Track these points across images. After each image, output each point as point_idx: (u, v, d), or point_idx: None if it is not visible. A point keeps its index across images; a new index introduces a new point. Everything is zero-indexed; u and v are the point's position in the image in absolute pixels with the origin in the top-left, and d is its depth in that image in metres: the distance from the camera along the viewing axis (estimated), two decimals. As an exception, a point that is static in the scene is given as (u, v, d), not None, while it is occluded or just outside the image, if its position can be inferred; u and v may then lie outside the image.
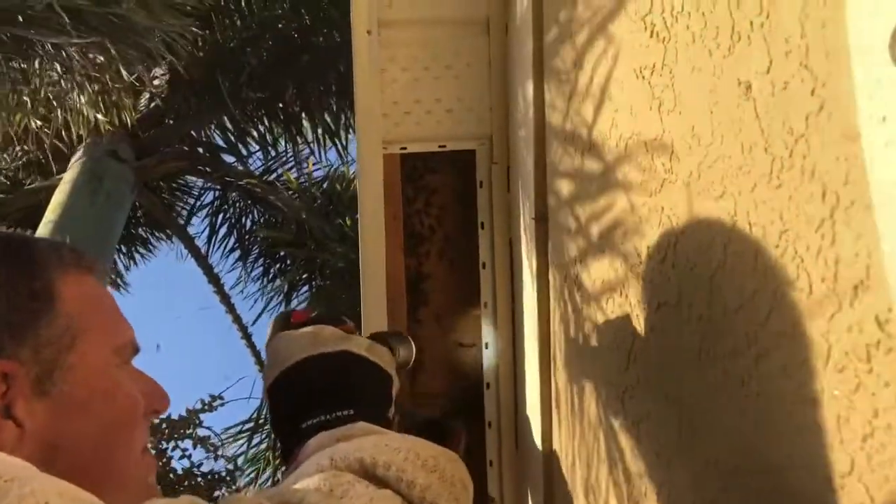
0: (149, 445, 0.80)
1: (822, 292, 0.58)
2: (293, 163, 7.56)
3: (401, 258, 1.56)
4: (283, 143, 7.38)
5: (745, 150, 0.68)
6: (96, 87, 5.16)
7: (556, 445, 1.36)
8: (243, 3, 6.45)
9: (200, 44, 6.46)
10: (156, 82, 6.43)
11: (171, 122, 6.38)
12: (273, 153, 7.48)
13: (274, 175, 7.61)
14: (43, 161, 6.16)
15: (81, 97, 5.17)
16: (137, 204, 7.01)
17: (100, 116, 5.27)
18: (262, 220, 7.82)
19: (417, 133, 1.49)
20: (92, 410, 0.71)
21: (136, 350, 0.81)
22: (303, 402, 0.83)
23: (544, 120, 1.30)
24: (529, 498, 1.52)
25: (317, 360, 0.88)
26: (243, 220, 7.74)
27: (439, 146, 1.50)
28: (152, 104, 6.39)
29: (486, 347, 1.59)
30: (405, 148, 1.50)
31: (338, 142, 7.20)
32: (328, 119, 7.02)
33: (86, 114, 5.24)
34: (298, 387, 0.87)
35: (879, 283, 0.52)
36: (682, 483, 0.85)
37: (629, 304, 0.97)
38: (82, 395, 0.71)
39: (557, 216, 1.27)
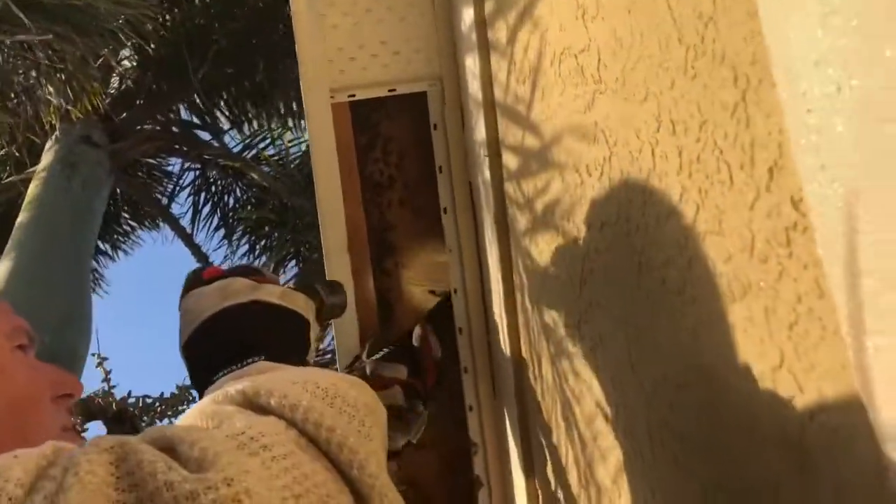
0: (77, 426, 0.80)
1: (742, 180, 0.56)
2: (269, 139, 7.48)
3: (360, 210, 1.53)
4: (256, 121, 7.29)
5: (662, 45, 0.65)
6: (63, 77, 5.07)
7: (527, 385, 1.35)
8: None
9: (168, 23, 6.36)
10: (125, 63, 6.33)
11: (143, 103, 6.28)
12: (248, 130, 7.40)
13: (253, 152, 7.55)
14: (17, 155, 6.07)
15: (49, 87, 5.09)
16: (118, 192, 6.95)
17: (69, 107, 5.18)
18: (244, 198, 7.77)
19: (365, 79, 1.45)
20: None
21: (30, 338, 0.80)
22: (216, 357, 0.80)
23: (489, 52, 1.26)
24: (510, 441, 1.51)
25: (226, 312, 0.85)
26: (226, 198, 7.69)
27: (389, 90, 1.46)
28: (123, 86, 6.29)
29: (455, 293, 1.56)
30: (353, 95, 1.46)
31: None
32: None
33: (55, 103, 5.16)
34: (210, 343, 0.84)
35: (791, 161, 0.49)
36: (636, 404, 0.83)
37: (577, 230, 0.95)
38: None
39: (509, 152, 1.24)
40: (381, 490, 0.58)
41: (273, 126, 7.36)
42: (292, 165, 7.39)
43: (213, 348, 0.82)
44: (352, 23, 1.42)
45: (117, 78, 6.29)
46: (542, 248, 1.12)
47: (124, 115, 6.09)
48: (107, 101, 5.70)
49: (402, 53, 1.45)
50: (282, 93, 6.85)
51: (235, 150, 7.38)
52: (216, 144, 7.01)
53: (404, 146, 1.58)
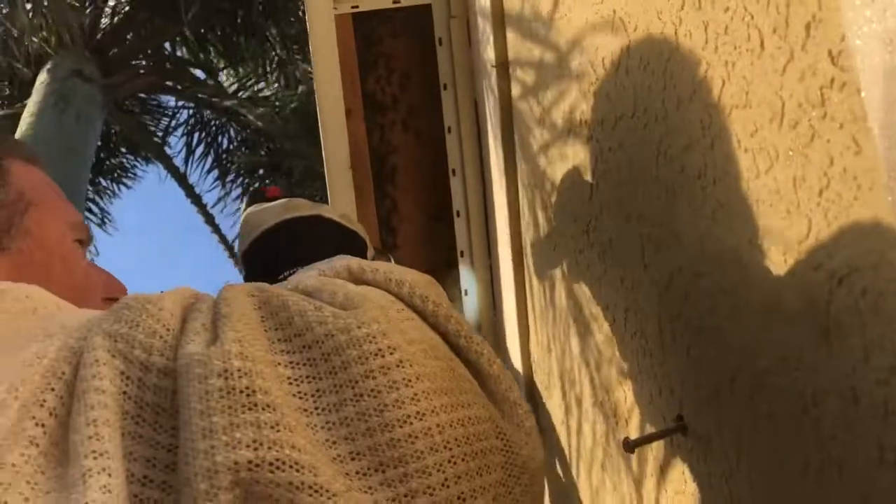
0: None
1: (774, 45, 0.54)
2: (264, 80, 7.37)
3: (363, 128, 1.51)
4: (251, 61, 7.16)
5: (691, -87, 0.62)
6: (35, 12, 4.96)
7: (529, 304, 1.34)
8: None
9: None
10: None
11: (135, 38, 6.15)
12: (242, 70, 7.28)
13: (248, 92, 7.43)
14: (6, 89, 5.98)
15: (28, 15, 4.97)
16: (112, 129, 6.87)
17: (44, 44, 5.08)
18: (238, 139, 7.68)
19: (369, -10, 1.41)
20: (52, 273, 0.72)
21: (89, 236, 0.82)
22: (278, 263, 0.82)
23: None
24: (514, 365, 1.51)
25: (290, 223, 0.88)
26: (219, 139, 7.61)
27: (393, 2, 1.42)
28: (115, 20, 6.16)
29: (458, 216, 1.55)
30: (357, 6, 1.42)
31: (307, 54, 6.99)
32: (296, 30, 6.79)
33: (29, 41, 5.06)
34: (272, 250, 0.87)
35: (834, 9, 0.47)
36: (648, 301, 0.82)
37: (589, 132, 0.93)
38: (41, 257, 0.72)
39: (519, 62, 1.21)
40: (490, 357, 0.60)
41: (267, 67, 7.24)
42: (288, 109, 7.30)
43: (276, 253, 0.86)
44: (356, -70, 1.38)
45: (109, 11, 6.16)
46: (552, 160, 1.10)
47: (116, 50, 5.98)
48: (98, 35, 5.59)
49: (408, -36, 1.41)
50: (278, 33, 6.73)
51: (230, 89, 7.28)
52: (210, 83, 6.90)
53: (407, 65, 1.55)
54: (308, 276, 0.63)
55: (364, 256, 0.90)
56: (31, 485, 0.43)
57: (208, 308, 0.55)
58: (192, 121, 7.45)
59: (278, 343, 0.52)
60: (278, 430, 0.45)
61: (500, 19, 1.26)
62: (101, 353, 0.48)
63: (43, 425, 0.45)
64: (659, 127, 0.73)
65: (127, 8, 6.00)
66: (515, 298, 1.38)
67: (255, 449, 0.44)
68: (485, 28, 1.31)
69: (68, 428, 0.45)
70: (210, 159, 7.59)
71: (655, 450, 0.83)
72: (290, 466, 0.44)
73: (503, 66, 1.26)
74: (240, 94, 7.38)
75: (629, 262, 0.86)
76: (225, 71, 7.43)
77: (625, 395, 0.93)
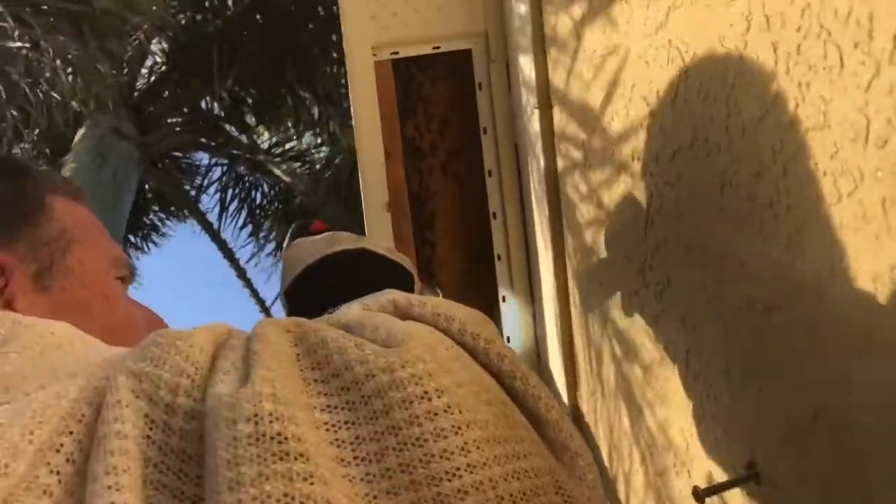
0: None
1: (856, 60, 0.51)
2: (296, 137, 7.47)
3: (402, 172, 1.49)
4: (285, 120, 7.28)
5: (756, -68, 0.60)
6: (71, 73, 5.10)
7: (575, 350, 1.30)
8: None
9: (199, 17, 6.37)
10: (153, 59, 6.36)
11: (172, 96, 6.29)
12: (278, 128, 7.40)
13: (281, 148, 7.54)
14: (45, 148, 6.12)
15: (65, 80, 5.11)
16: (146, 186, 6.98)
17: (78, 104, 5.21)
18: (272, 194, 7.76)
19: (408, 35, 1.41)
20: (93, 313, 0.71)
21: (132, 273, 0.80)
22: (322, 298, 0.79)
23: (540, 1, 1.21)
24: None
25: (334, 257, 0.85)
26: (253, 193, 7.70)
27: (433, 48, 1.42)
28: (151, 79, 6.31)
29: (499, 259, 1.52)
30: (396, 52, 1.42)
31: (345, 107, 7.08)
32: (333, 85, 6.90)
33: (69, 99, 5.19)
34: (317, 284, 0.85)
35: (925, 18, 0.44)
36: (713, 340, 0.78)
37: (643, 167, 0.90)
38: (83, 297, 0.71)
39: (561, 101, 1.19)
40: (548, 401, 0.55)
41: (301, 125, 7.35)
42: (318, 166, 7.38)
43: (320, 289, 0.83)
44: (395, -23, 1.39)
45: (146, 71, 6.32)
46: (600, 200, 1.07)
47: (152, 108, 6.11)
48: (135, 94, 5.72)
49: (446, 9, 1.41)
50: (310, 91, 6.84)
51: (263, 146, 7.39)
52: (244, 140, 7.01)
53: (447, 110, 1.54)
54: (351, 310, 0.59)
55: (410, 290, 0.87)
56: None
57: (241, 345, 0.51)
58: (225, 177, 7.55)
59: (315, 384, 0.48)
60: (312, 483, 0.41)
61: (541, 55, 1.25)
62: (124, 394, 0.45)
63: (58, 472, 0.42)
64: (723, 156, 0.70)
65: (163, 68, 6.15)
66: (560, 344, 1.34)
67: None
68: (526, 64, 1.30)
69: (86, 476, 0.42)
70: (243, 214, 7.67)
71: (726, 500, 0.78)
72: None
73: (546, 107, 1.24)
74: (273, 150, 7.49)
75: (690, 299, 0.82)
76: (259, 127, 7.55)
77: (686, 442, 0.88)
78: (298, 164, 7.22)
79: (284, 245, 0.97)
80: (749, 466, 0.74)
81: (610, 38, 0.94)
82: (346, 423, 0.46)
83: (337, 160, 7.11)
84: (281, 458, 0.41)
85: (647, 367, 0.97)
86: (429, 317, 0.56)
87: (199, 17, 6.35)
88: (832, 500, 0.60)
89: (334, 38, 6.12)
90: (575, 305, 1.28)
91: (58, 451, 0.42)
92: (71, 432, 0.43)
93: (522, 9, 1.26)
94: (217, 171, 7.48)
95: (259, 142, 7.57)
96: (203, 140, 6.79)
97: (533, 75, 1.25)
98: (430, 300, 0.58)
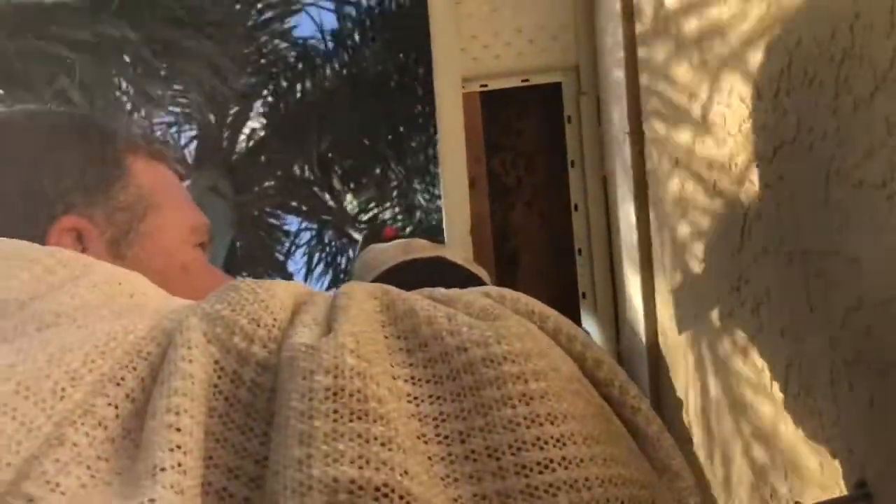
0: None
1: None
2: (384, 205, 7.62)
3: (486, 204, 1.48)
4: (375, 188, 7.45)
5: None
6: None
7: (661, 381, 1.24)
8: (343, 49, 6.61)
9: (299, 87, 6.65)
10: (253, 124, 6.64)
11: (268, 160, 6.54)
12: (367, 194, 7.57)
13: (369, 215, 7.70)
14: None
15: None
16: (237, 244, 7.19)
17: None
18: (357, 260, 7.88)
19: (498, 68, 1.41)
20: (171, 282, 0.67)
21: (211, 238, 0.78)
22: None
23: (633, 24, 1.20)
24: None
25: (410, 264, 0.82)
26: (338, 258, 7.83)
27: (522, 80, 1.42)
28: (250, 142, 6.59)
29: (584, 297, 1.48)
30: (486, 85, 1.42)
31: (428, 179, 7.22)
32: (419, 158, 7.04)
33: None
34: None
35: None
36: (816, 350, 0.72)
37: (739, 174, 0.86)
38: (160, 265, 0.69)
39: (654, 125, 1.17)
40: (648, 414, 0.49)
41: (389, 194, 7.50)
42: (404, 234, 7.48)
43: None
44: (487, 10, 1.40)
45: (245, 136, 6.60)
46: (695, 221, 1.03)
47: (249, 169, 6.35)
48: (234, 156, 5.97)
49: (538, 42, 1.41)
50: (400, 162, 7.00)
51: (352, 213, 7.56)
52: (333, 206, 7.19)
53: (534, 144, 1.53)
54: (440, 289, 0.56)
55: None
56: (92, 471, 0.36)
57: (324, 303, 0.48)
58: (313, 241, 7.73)
59: (399, 354, 0.44)
60: (390, 449, 0.37)
61: (634, 88, 1.23)
62: (195, 335, 0.42)
63: (116, 407, 0.39)
64: (828, 143, 0.66)
65: (262, 133, 6.42)
66: (650, 388, 1.28)
67: (361, 468, 0.36)
68: (618, 98, 1.28)
69: (145, 417, 0.39)
70: (328, 278, 7.80)
71: (832, 523, 0.71)
72: (401, 497, 0.36)
73: (636, 133, 1.22)
74: (360, 216, 7.64)
75: (791, 309, 0.76)
76: (348, 195, 7.74)
77: (785, 470, 0.81)
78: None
79: (356, 252, 0.94)
80: (860, 485, 0.66)
81: (707, 42, 0.91)
82: (430, 397, 0.42)
83: (416, 229, 7.20)
84: (359, 418, 0.38)
85: (744, 393, 0.91)
86: (523, 311, 0.51)
87: (298, 87, 6.62)
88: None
89: (426, 111, 6.27)
90: (665, 345, 1.23)
91: (118, 384, 0.40)
92: (135, 368, 0.41)
93: (616, 38, 1.25)
94: (306, 236, 7.67)
95: (348, 209, 7.74)
96: (294, 204, 6.99)
97: (625, 104, 1.22)
98: (525, 297, 0.55)
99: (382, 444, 0.37)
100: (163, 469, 0.35)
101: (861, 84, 0.60)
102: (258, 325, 0.43)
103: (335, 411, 0.38)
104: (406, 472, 0.36)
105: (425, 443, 0.40)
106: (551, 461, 0.39)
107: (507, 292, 0.54)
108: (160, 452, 0.36)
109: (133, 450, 0.38)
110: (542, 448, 0.40)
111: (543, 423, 0.41)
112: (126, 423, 0.39)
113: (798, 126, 0.71)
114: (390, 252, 0.86)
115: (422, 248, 0.86)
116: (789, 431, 0.79)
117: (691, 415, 1.08)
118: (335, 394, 0.38)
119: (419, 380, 0.43)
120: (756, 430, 0.87)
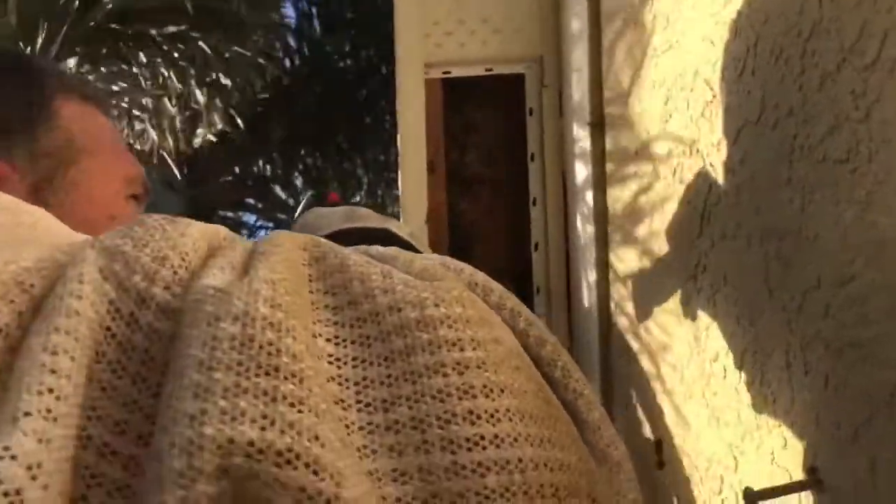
0: None
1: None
2: (350, 200, 7.56)
3: (444, 194, 1.46)
4: (335, 183, 7.37)
5: None
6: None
7: (615, 375, 1.23)
8: (303, 42, 6.54)
9: (259, 83, 6.56)
10: (211, 118, 6.52)
11: (226, 155, 6.43)
12: (325, 189, 7.49)
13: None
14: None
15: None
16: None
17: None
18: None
19: (461, 55, 1.39)
20: (97, 232, 0.62)
21: (147, 190, 0.72)
22: None
23: (598, 16, 1.19)
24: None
25: (354, 232, 0.77)
26: (294, 259, 7.73)
27: (486, 70, 1.40)
28: (207, 136, 6.47)
29: (538, 292, 1.46)
30: (448, 72, 1.40)
31: (389, 175, 7.17)
32: (380, 155, 7.00)
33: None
34: None
35: None
36: (773, 334, 0.71)
37: (700, 158, 0.85)
38: (86, 214, 0.63)
39: (615, 114, 1.16)
40: (591, 400, 0.45)
41: (349, 192, 7.44)
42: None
43: None
44: (453, -4, 1.38)
45: (202, 128, 6.47)
46: (654, 214, 1.02)
47: (205, 164, 6.24)
48: (190, 150, 5.85)
49: (502, 32, 1.39)
50: (361, 158, 6.94)
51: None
52: (291, 203, 7.09)
53: (494, 135, 1.51)
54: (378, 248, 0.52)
55: None
56: None
57: (244, 249, 0.43)
58: (268, 240, 7.62)
59: (324, 311, 0.40)
60: (300, 411, 0.33)
61: (597, 80, 1.22)
62: (89, 270, 0.37)
63: None
64: (793, 119, 0.65)
65: (220, 126, 6.30)
66: (601, 378, 1.26)
67: (263, 428, 0.31)
68: (580, 90, 1.27)
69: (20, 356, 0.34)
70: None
71: (782, 509, 0.69)
72: (307, 465, 0.31)
73: (598, 125, 1.20)
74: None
75: (749, 293, 0.75)
76: (308, 192, 7.65)
77: (737, 457, 0.80)
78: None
79: (297, 213, 0.89)
80: (811, 471, 0.65)
81: (672, 32, 0.90)
82: (354, 359, 0.38)
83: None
84: (267, 373, 0.33)
85: (695, 386, 0.89)
86: (466, 280, 0.46)
87: (258, 83, 6.53)
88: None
89: (386, 108, 6.23)
90: (619, 339, 1.21)
91: None
92: (12, 301, 0.36)
93: (578, 26, 1.24)
94: (261, 234, 7.56)
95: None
96: (250, 201, 6.89)
97: (587, 94, 1.21)
98: (469, 267, 0.51)
99: (291, 405, 0.33)
100: (27, 413, 0.31)
101: (828, 57, 0.59)
102: (162, 265, 0.38)
103: (240, 363, 0.33)
104: (316, 438, 0.32)
105: (344, 409, 0.36)
106: (482, 437, 0.36)
107: (451, 260, 0.50)
108: (27, 395, 0.31)
109: (3, 394, 0.33)
110: (473, 423, 0.36)
111: (477, 396, 0.37)
112: None
113: (763, 104, 0.70)
114: (334, 217, 0.81)
115: (367, 217, 0.82)
116: (744, 419, 0.77)
117: (646, 406, 1.06)
118: (242, 344, 0.34)
119: (344, 340, 0.39)
120: (711, 418, 0.86)
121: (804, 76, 0.63)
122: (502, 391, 0.38)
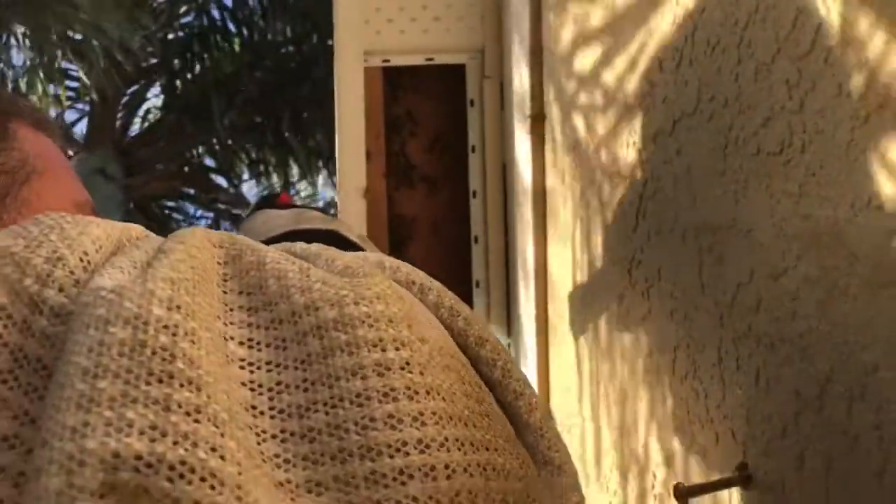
0: None
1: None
2: (291, 190, 7.45)
3: (382, 183, 1.43)
4: (276, 173, 7.26)
5: None
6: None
7: (552, 380, 1.22)
8: (244, 28, 6.41)
9: (198, 67, 6.42)
10: (149, 104, 6.37)
11: (164, 143, 6.27)
12: (266, 181, 7.38)
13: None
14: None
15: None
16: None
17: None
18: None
19: (402, 44, 1.36)
20: None
21: (96, 216, 0.72)
22: None
23: (539, 7, 1.18)
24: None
25: (301, 234, 0.76)
26: (236, 249, 7.60)
27: (426, 59, 1.38)
28: (145, 124, 6.31)
29: (477, 286, 1.44)
30: (388, 60, 1.37)
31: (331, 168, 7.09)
32: (322, 146, 6.91)
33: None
34: None
35: None
36: (704, 329, 0.70)
37: (636, 151, 0.84)
38: None
39: (556, 107, 1.14)
40: (530, 400, 0.44)
41: (292, 179, 7.33)
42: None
43: None
44: (393, -18, 1.35)
45: (140, 117, 6.32)
46: (591, 210, 1.01)
47: (143, 152, 6.08)
48: (128, 137, 5.71)
49: (443, 20, 1.37)
50: (304, 146, 6.84)
51: (251, 199, 7.36)
52: (231, 192, 6.97)
53: (434, 126, 1.49)
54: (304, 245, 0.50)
55: None
56: None
57: (151, 247, 0.40)
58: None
59: (238, 312, 0.38)
60: (196, 421, 0.30)
61: (538, 72, 1.21)
62: None
63: None
64: (729, 111, 0.64)
65: (160, 113, 6.16)
66: (537, 375, 1.25)
67: (153, 440, 0.29)
68: (520, 81, 1.25)
69: None
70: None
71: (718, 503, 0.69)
72: (203, 479, 0.29)
73: (538, 117, 1.19)
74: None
75: (682, 288, 0.74)
76: (248, 181, 7.52)
77: (668, 453, 0.79)
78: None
79: (244, 214, 0.88)
80: (741, 468, 0.65)
81: (611, 14, 0.89)
82: (268, 363, 0.36)
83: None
84: (160, 381, 0.31)
85: (630, 381, 0.89)
86: (402, 280, 0.46)
87: (198, 67, 6.39)
88: (837, 492, 0.52)
89: (329, 96, 6.15)
90: (555, 334, 1.20)
91: None
92: None
93: (520, 17, 1.22)
94: (201, 224, 7.41)
95: (247, 196, 7.53)
96: (189, 190, 6.74)
97: (527, 86, 1.20)
98: (408, 266, 0.49)
99: (187, 414, 0.30)
100: None
101: (763, 48, 0.59)
102: (55, 266, 0.36)
103: (129, 371, 0.31)
104: (213, 449, 0.30)
105: (255, 416, 0.34)
106: (405, 443, 0.34)
107: (388, 259, 0.48)
108: None
109: None
110: (394, 427, 0.34)
111: (399, 399, 0.35)
112: None
113: (699, 95, 0.69)
114: (282, 219, 0.81)
115: (316, 220, 0.82)
116: (676, 415, 0.77)
117: (581, 403, 1.05)
118: (132, 350, 0.31)
119: (258, 343, 0.37)
120: (644, 414, 0.85)
121: (740, 66, 0.62)
122: (428, 393, 0.36)
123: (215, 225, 7.51)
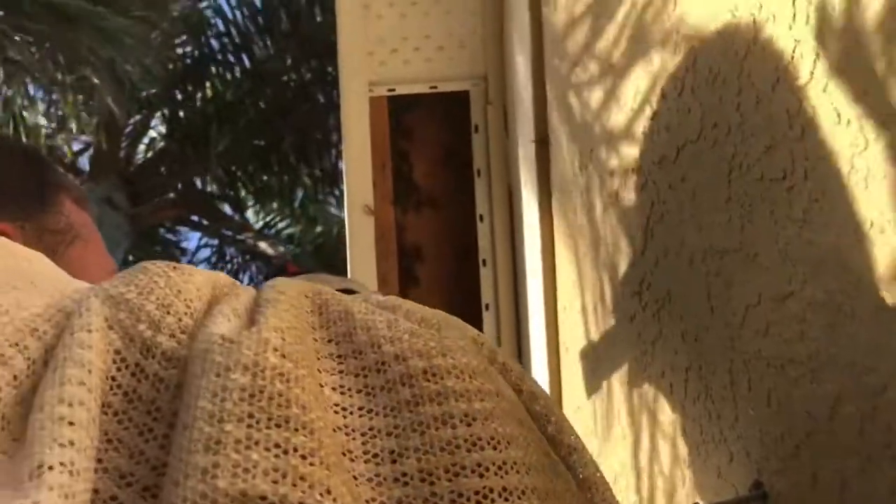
0: None
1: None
2: (290, 218, 7.48)
3: (390, 210, 1.45)
4: (279, 199, 7.29)
5: None
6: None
7: (564, 396, 1.23)
8: (244, 56, 6.47)
9: (199, 96, 6.47)
10: (153, 133, 6.42)
11: (167, 171, 6.32)
12: (273, 206, 7.42)
13: (273, 230, 7.52)
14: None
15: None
16: (131, 258, 6.93)
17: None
18: (260, 278, 7.70)
19: (406, 73, 1.39)
20: None
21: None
22: None
23: (541, 34, 1.20)
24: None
25: None
26: (240, 276, 7.62)
27: (430, 87, 1.40)
28: (149, 154, 6.36)
29: (487, 309, 1.46)
30: (393, 90, 1.40)
31: (336, 192, 7.12)
32: (327, 170, 6.94)
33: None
34: None
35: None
36: (715, 351, 0.72)
37: (641, 176, 0.86)
38: None
39: (559, 131, 1.16)
40: (583, 455, 0.46)
41: (295, 206, 7.37)
42: (310, 246, 7.35)
43: None
44: (396, 14, 1.38)
45: (144, 147, 6.37)
46: (600, 234, 1.02)
47: (147, 181, 6.12)
48: (132, 167, 5.75)
49: (446, 49, 1.39)
50: (307, 171, 6.88)
51: (256, 225, 7.39)
52: (236, 219, 7.00)
53: (440, 152, 1.51)
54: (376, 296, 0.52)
55: None
56: None
57: (249, 297, 0.43)
58: (213, 258, 7.49)
59: (328, 360, 0.40)
60: (312, 464, 0.32)
61: (541, 97, 1.23)
62: (95, 320, 0.36)
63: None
64: (732, 139, 0.66)
65: (162, 143, 6.21)
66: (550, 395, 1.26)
67: (275, 482, 0.31)
68: (524, 107, 1.27)
69: (30, 406, 0.34)
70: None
71: (729, 525, 0.70)
72: None
73: (543, 142, 1.21)
74: (265, 231, 7.46)
75: (692, 311, 0.76)
76: (256, 207, 7.55)
77: (683, 474, 0.80)
78: (291, 245, 7.21)
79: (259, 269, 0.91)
80: (756, 486, 0.66)
81: (607, 41, 0.91)
82: (360, 409, 0.38)
83: (328, 242, 7.10)
84: (278, 425, 0.33)
85: (643, 402, 0.90)
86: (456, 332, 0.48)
87: (199, 96, 6.44)
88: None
89: (332, 120, 6.18)
90: (566, 352, 1.21)
91: (4, 364, 0.34)
92: (26, 347, 0.35)
93: (524, 47, 1.25)
94: (206, 252, 7.44)
95: (252, 223, 7.56)
96: (194, 218, 6.78)
97: (531, 111, 1.22)
98: (455, 318, 0.51)
99: (303, 457, 0.33)
100: (50, 468, 0.30)
101: (763, 78, 0.60)
102: (167, 312, 0.38)
103: (251, 415, 0.33)
104: (328, 492, 0.32)
105: (351, 460, 0.36)
106: (491, 490, 0.36)
107: (443, 314, 0.51)
108: (48, 449, 0.31)
109: (9, 443, 0.33)
110: (482, 475, 0.36)
111: (485, 448, 0.37)
112: (9, 413, 0.34)
113: (702, 123, 0.71)
114: None
115: (328, 281, 0.84)
116: (689, 435, 0.78)
117: (594, 423, 1.06)
118: (252, 395, 0.34)
119: (349, 389, 0.39)
120: (658, 434, 0.86)
121: (741, 96, 0.64)
122: (509, 443, 0.38)
123: (219, 250, 7.55)
